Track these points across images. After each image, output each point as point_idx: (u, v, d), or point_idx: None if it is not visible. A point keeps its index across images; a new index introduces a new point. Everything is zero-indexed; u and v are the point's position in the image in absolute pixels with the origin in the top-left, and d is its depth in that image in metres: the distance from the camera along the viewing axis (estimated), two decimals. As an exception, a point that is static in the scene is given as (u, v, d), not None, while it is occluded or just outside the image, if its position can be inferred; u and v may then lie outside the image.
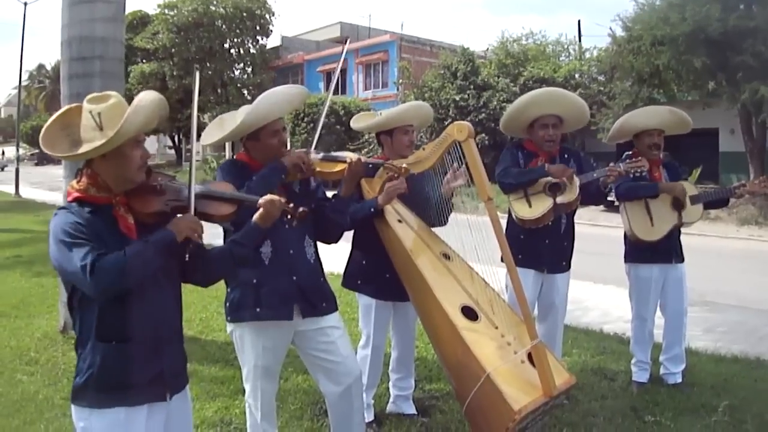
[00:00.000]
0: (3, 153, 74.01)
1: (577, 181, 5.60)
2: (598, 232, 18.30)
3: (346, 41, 5.89)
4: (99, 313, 3.03)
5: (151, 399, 3.17)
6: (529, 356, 4.25)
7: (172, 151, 54.84)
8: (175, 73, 47.05)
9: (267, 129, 4.24)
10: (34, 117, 70.85)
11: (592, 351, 7.54)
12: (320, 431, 5.34)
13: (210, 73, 47.69)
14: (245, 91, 49.33)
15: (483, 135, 29.11)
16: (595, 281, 11.58)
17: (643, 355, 6.36)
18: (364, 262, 5.33)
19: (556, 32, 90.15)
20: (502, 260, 4.55)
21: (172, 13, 48.49)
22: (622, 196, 6.24)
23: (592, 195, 5.83)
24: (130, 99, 3.14)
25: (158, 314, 3.16)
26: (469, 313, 4.51)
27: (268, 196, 3.53)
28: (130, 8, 50.87)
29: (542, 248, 5.74)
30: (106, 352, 3.07)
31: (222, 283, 4.25)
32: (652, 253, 6.17)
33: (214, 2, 47.66)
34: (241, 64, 51.46)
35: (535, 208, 5.62)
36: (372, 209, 4.92)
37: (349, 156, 4.44)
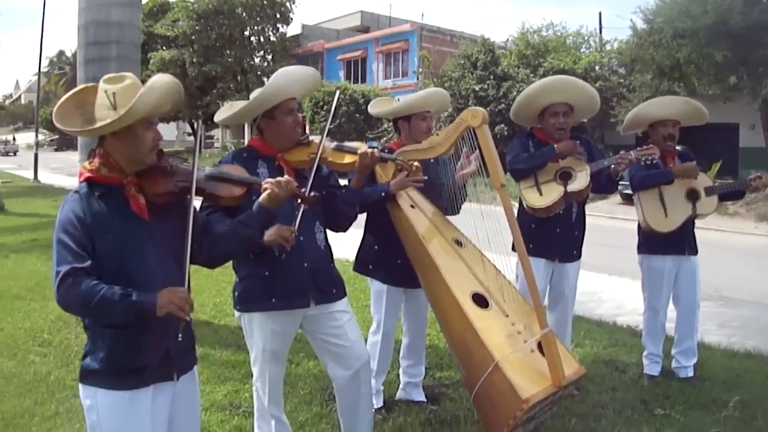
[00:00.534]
0: (14, 139, 74.31)
1: (587, 169, 5.56)
2: (616, 225, 18.31)
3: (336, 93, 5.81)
4: None
5: (157, 379, 3.19)
6: (539, 345, 4.23)
7: (191, 138, 54.93)
8: (195, 60, 47.04)
9: (282, 107, 4.21)
10: (53, 103, 71.05)
11: (605, 343, 7.52)
12: (329, 416, 5.34)
13: (230, 60, 47.71)
14: (265, 79, 49.02)
15: (502, 126, 29.06)
16: (610, 273, 11.55)
17: (655, 347, 6.33)
18: (376, 247, 5.31)
19: (577, 24, 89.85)
20: (513, 249, 4.54)
21: (192, 0, 48.49)
22: (637, 186, 6.19)
23: (603, 183, 5.81)
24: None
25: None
26: (480, 301, 4.50)
27: (279, 178, 3.53)
28: (150, -5, 50.98)
29: (553, 237, 5.72)
30: (113, 334, 3.08)
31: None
32: (666, 244, 6.12)
33: (235, -11, 47.63)
34: (261, 52, 51.37)
35: (546, 197, 5.58)
36: (383, 194, 4.90)
37: (362, 148, 4.41)
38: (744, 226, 20.73)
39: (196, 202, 3.34)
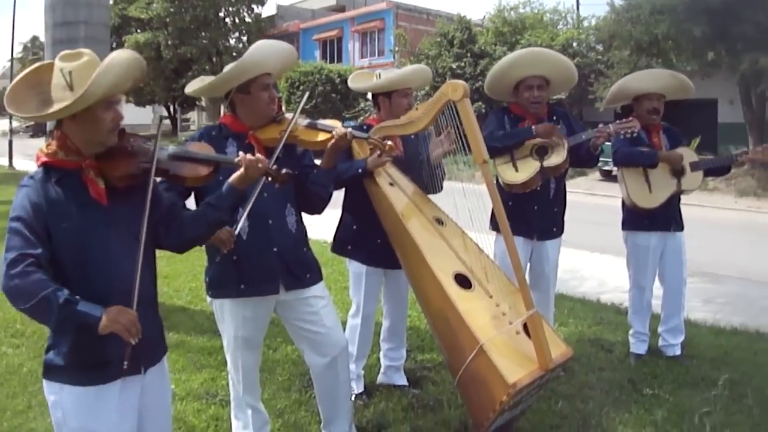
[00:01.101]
0: None
1: (565, 143, 5.42)
2: (596, 202, 18.26)
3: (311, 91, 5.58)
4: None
5: (124, 373, 3.00)
6: (525, 327, 4.09)
7: (168, 121, 54.46)
8: (169, 43, 46.61)
9: (258, 81, 4.04)
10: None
11: (589, 321, 7.41)
12: (308, 403, 5.19)
13: (205, 42, 47.35)
14: (241, 61, 48.81)
15: (480, 103, 28.95)
16: (592, 250, 11.44)
17: (641, 326, 6.22)
18: (354, 227, 5.16)
19: (554, 0, 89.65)
20: (491, 227, 4.37)
21: (166, -19, 48.08)
22: (619, 162, 6.07)
23: (582, 158, 5.68)
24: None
25: (129, 284, 2.91)
26: (463, 281, 4.34)
27: (249, 156, 3.34)
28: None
29: (531, 214, 5.57)
30: (75, 330, 2.91)
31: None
32: (651, 220, 6.01)
33: (210, -30, 47.24)
34: (236, 33, 50.94)
35: (521, 172, 5.43)
36: (360, 170, 4.75)
37: (336, 128, 4.23)
38: (724, 202, 20.69)
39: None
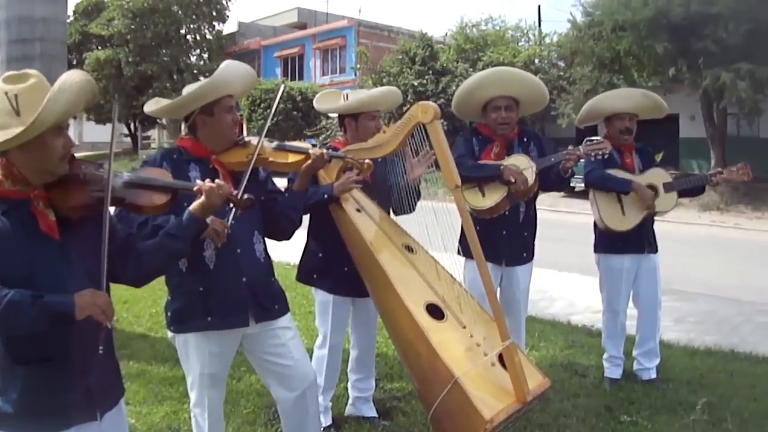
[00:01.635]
0: None
1: (533, 166, 5.25)
2: (559, 218, 18.21)
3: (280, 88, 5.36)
4: None
5: (79, 420, 2.80)
6: (500, 358, 3.91)
7: (128, 139, 53.84)
8: (130, 60, 46.23)
9: (223, 103, 3.84)
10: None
11: (561, 344, 7.26)
12: (275, 437, 4.98)
13: (166, 59, 47.09)
14: (201, 78, 48.53)
15: (442, 120, 28.70)
16: (559, 269, 11.31)
17: (616, 350, 6.08)
18: (320, 255, 4.96)
19: (516, 17, 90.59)
20: (459, 253, 4.21)
21: (127, -2, 47.80)
22: (591, 184, 5.95)
23: (552, 181, 5.52)
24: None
25: (82, 325, 2.69)
26: (435, 312, 4.16)
27: (209, 183, 3.15)
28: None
29: (500, 240, 5.37)
30: (25, 374, 2.71)
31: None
32: (624, 243, 5.88)
33: (170, -13, 47.02)
34: (198, 51, 50.77)
35: (488, 197, 5.26)
36: (326, 195, 4.56)
37: (311, 149, 4.06)
38: (688, 216, 20.69)
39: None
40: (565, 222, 15.84)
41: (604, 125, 6.03)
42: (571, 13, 29.30)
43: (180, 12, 47.59)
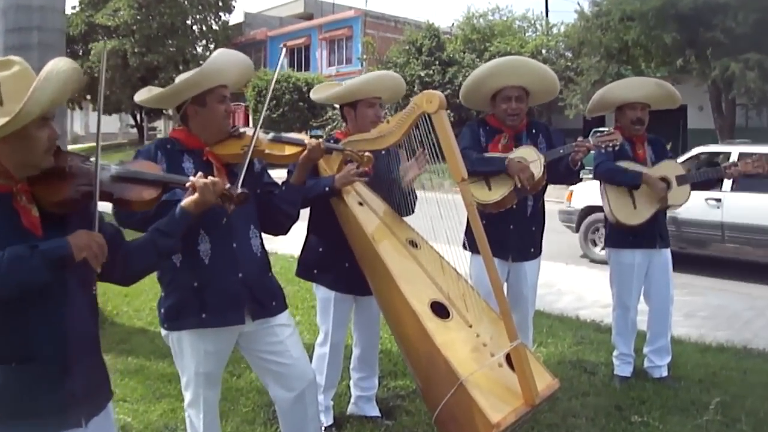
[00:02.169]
0: None
1: (541, 159, 5.10)
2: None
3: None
4: None
5: (61, 427, 2.65)
6: (507, 357, 3.76)
7: (134, 130, 53.83)
8: (136, 51, 46.23)
9: (216, 93, 3.71)
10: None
11: (569, 341, 7.09)
12: (274, 438, 4.84)
13: (172, 50, 47.07)
14: (206, 69, 48.62)
15: (448, 111, 28.72)
16: (566, 262, 11.24)
17: (626, 347, 5.93)
18: (321, 249, 4.80)
19: (523, 7, 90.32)
20: (464, 247, 4.17)
21: (133, -11, 47.73)
22: (601, 177, 5.80)
23: (561, 174, 5.36)
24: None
25: (68, 325, 2.58)
26: (440, 310, 4.01)
27: (203, 179, 3.00)
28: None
29: (507, 234, 5.22)
30: (4, 375, 2.55)
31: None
32: (635, 237, 5.72)
33: (177, -22, 46.98)
34: (204, 41, 50.76)
35: (495, 191, 5.11)
36: (327, 188, 4.40)
37: (307, 140, 3.92)
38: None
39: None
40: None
41: (615, 115, 5.87)
42: (578, 3, 29.05)
43: (186, 2, 47.70)
